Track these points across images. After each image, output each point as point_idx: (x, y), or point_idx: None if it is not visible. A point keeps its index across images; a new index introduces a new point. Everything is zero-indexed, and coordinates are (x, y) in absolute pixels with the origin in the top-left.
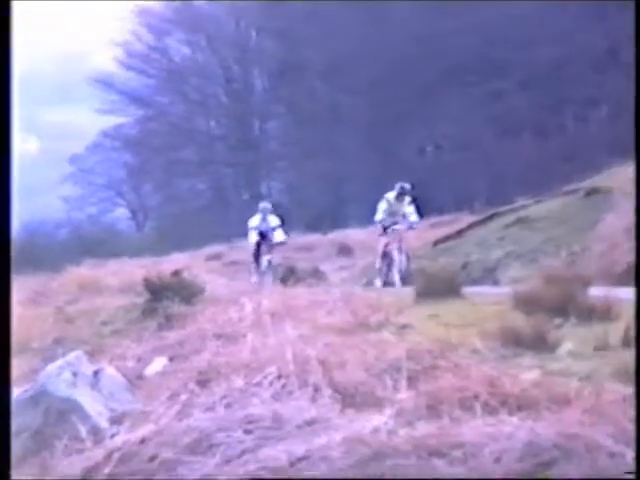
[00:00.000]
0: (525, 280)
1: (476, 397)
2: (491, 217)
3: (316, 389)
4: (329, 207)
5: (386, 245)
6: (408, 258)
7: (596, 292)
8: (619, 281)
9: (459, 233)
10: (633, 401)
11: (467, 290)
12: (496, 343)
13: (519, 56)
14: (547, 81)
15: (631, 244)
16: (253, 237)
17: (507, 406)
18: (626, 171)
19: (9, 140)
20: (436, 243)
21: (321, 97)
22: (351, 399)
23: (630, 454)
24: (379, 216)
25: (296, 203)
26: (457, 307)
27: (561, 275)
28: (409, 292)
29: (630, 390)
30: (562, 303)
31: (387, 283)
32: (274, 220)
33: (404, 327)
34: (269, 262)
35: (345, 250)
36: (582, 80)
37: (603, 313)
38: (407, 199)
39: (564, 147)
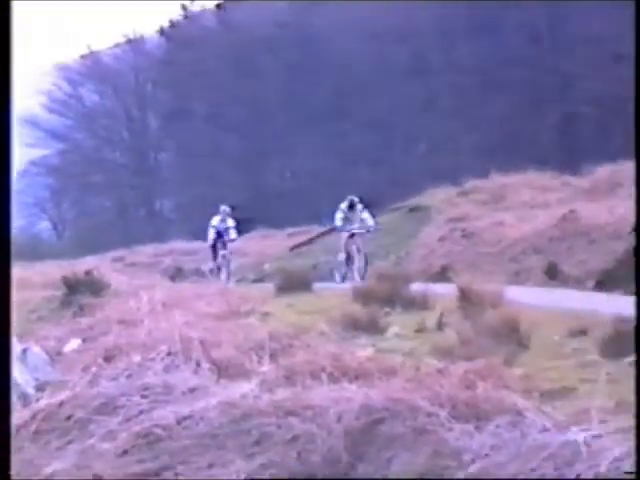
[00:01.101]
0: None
1: (323, 369)
2: (333, 229)
3: (197, 363)
4: (209, 221)
5: (346, 244)
6: (365, 258)
7: (417, 287)
8: (434, 279)
9: (310, 241)
10: (447, 372)
11: (317, 285)
12: (339, 327)
13: (359, 103)
14: (380, 124)
15: (444, 250)
16: (211, 234)
17: (347, 376)
18: (440, 192)
19: (9, 147)
20: (292, 248)
21: (203, 134)
22: (225, 371)
23: (443, 414)
24: (338, 223)
25: (183, 217)
26: (308, 299)
27: (390, 274)
28: (270, 287)
29: (442, 364)
30: (390, 295)
31: (345, 278)
32: (230, 222)
33: (267, 314)
34: (224, 256)
35: None
36: (408, 123)
37: (422, 304)
38: (359, 207)
39: (393, 174)
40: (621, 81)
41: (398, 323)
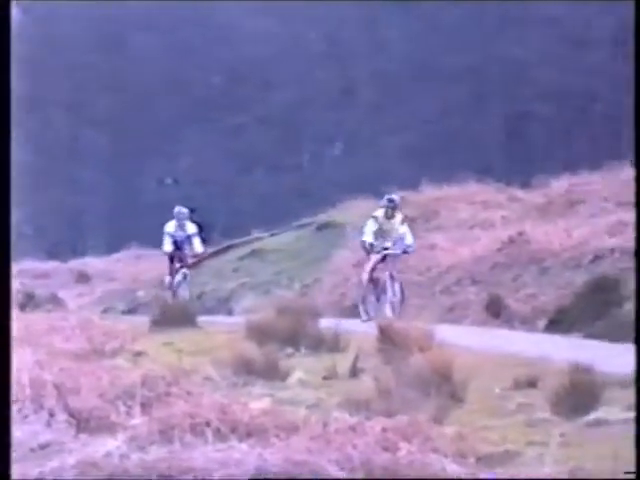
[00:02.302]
0: (258, 310)
1: (207, 424)
2: (226, 249)
3: (51, 413)
4: (68, 236)
5: (373, 270)
6: (402, 288)
7: (327, 323)
8: (349, 313)
9: (196, 264)
10: (362, 429)
11: (202, 319)
12: (228, 371)
13: (259, 94)
14: (285, 118)
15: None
16: (168, 245)
17: (237, 433)
18: (358, 206)
19: (9, 146)
20: None
21: (61, 127)
22: (85, 424)
23: None
24: (368, 238)
25: (36, 231)
26: (191, 335)
27: (293, 306)
28: (144, 320)
29: (355, 419)
30: (293, 333)
31: (372, 316)
32: (191, 227)
33: (139, 354)
34: (184, 276)
35: (83, 278)
36: (318, 119)
37: (332, 344)
38: (399, 217)
39: (299, 182)
40: (584, 72)
41: (302, 367)
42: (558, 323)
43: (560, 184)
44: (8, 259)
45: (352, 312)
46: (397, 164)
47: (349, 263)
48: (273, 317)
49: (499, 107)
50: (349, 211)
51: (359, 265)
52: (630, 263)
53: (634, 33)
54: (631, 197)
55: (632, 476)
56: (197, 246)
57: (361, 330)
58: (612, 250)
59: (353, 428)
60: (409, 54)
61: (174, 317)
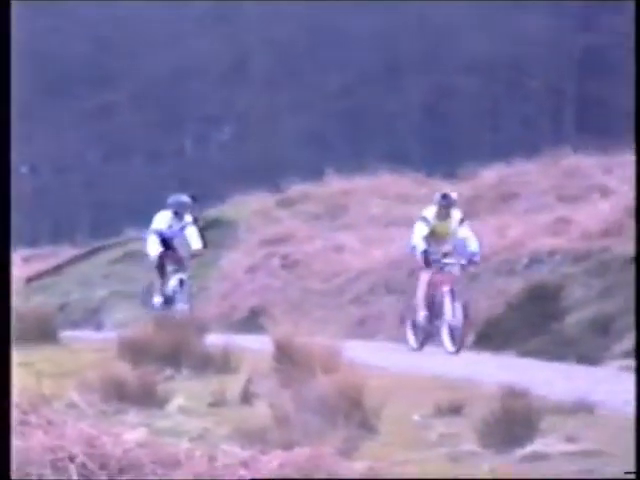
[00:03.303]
0: (133, 324)
1: (71, 459)
2: (95, 251)
3: None
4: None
5: (431, 285)
6: (465, 309)
7: (214, 339)
8: (241, 327)
9: (57, 269)
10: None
11: (65, 335)
12: (96, 396)
13: (130, 65)
14: (162, 95)
15: (256, 285)
16: (153, 246)
17: (107, 469)
18: (252, 201)
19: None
20: (29, 280)
21: None
22: None
23: None
24: (419, 245)
25: None
26: (52, 354)
27: (174, 319)
28: None
29: (248, 453)
30: (174, 351)
31: (426, 341)
32: (188, 218)
33: None
34: (181, 282)
35: None
36: (203, 96)
37: (221, 364)
38: (457, 215)
39: (181, 171)
40: (519, 38)
41: (185, 392)
42: (488, 338)
43: (490, 175)
44: (8, 259)
45: (245, 326)
46: (296, 150)
47: (241, 268)
48: (150, 332)
49: (416, 81)
50: (241, 207)
51: (252, 270)
52: (573, 268)
53: (634, 33)
54: (574, 190)
55: (632, 476)
56: (194, 240)
57: (256, 348)
58: (552, 253)
59: (245, 463)
60: (307, 18)
61: (32, 332)
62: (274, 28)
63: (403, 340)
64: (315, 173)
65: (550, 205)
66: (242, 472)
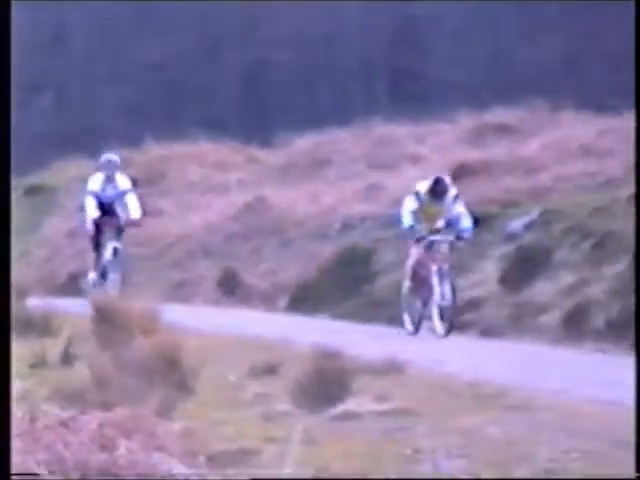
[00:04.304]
0: None
1: None
2: None
3: None
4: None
5: (418, 263)
6: (453, 288)
7: (34, 303)
8: (61, 291)
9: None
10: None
11: None
12: None
13: None
14: None
15: (76, 249)
16: (91, 209)
17: None
18: (72, 167)
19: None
20: None
21: None
22: None
23: None
24: (406, 220)
25: None
26: None
27: None
28: None
29: (68, 413)
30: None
31: (420, 324)
32: (123, 182)
33: None
34: (115, 251)
35: None
36: (25, 64)
37: (41, 327)
38: (451, 193)
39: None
40: (334, 14)
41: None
42: (301, 301)
43: (304, 143)
44: (8, 259)
45: (66, 289)
46: (116, 119)
47: (61, 232)
48: None
49: (235, 54)
50: (62, 173)
51: (73, 235)
52: (384, 233)
53: (634, 33)
54: (386, 158)
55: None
56: (133, 208)
57: (76, 311)
58: (363, 219)
59: (65, 424)
60: None
61: None
62: (97, 3)
63: (219, 302)
64: (134, 140)
65: (362, 173)
66: (62, 432)
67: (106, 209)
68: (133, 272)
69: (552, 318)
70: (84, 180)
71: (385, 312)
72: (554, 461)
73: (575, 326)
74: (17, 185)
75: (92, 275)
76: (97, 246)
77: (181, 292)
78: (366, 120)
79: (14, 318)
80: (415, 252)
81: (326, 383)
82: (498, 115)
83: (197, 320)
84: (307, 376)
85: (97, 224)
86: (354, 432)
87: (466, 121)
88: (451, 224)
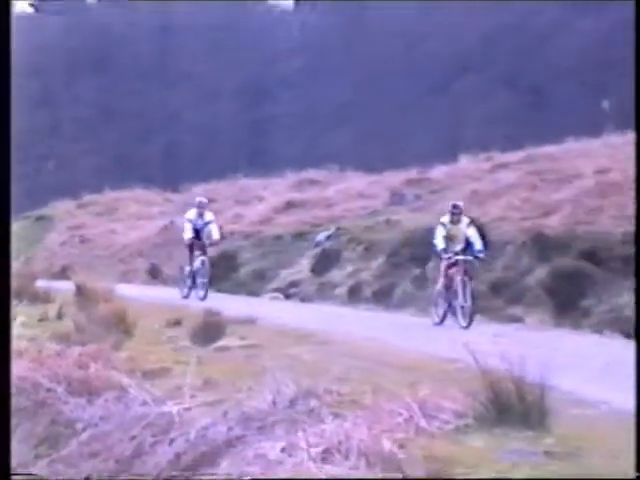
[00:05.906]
0: None
1: None
2: None
3: None
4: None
5: (447, 276)
6: (473, 294)
7: (41, 283)
8: (56, 277)
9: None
10: (65, 354)
11: None
12: None
13: None
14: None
15: (64, 252)
16: (188, 232)
17: None
18: (62, 205)
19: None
20: None
21: None
22: None
23: (60, 390)
24: (440, 244)
25: None
26: None
27: (19, 272)
28: None
29: (60, 347)
30: (19, 291)
31: (444, 319)
32: (209, 215)
33: None
34: (203, 263)
35: None
36: (40, 144)
37: (45, 297)
38: (465, 220)
39: (27, 188)
40: (219, 114)
41: (25, 314)
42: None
43: (198, 189)
44: (8, 258)
45: (58, 276)
46: (89, 176)
47: (56, 243)
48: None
49: (159, 137)
50: (56, 208)
51: (63, 244)
52: (244, 242)
53: (634, 33)
54: (244, 198)
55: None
56: (215, 233)
57: (64, 288)
58: (232, 233)
59: (59, 354)
60: (96, 100)
61: None
62: (79, 108)
63: (149, 283)
64: (99, 189)
65: (231, 206)
66: (57, 358)
67: (196, 234)
68: (98, 266)
69: (341, 291)
70: (69, 213)
71: (245, 289)
72: (343, 373)
73: (354, 295)
74: (30, 215)
75: (186, 273)
76: (191, 259)
77: (125, 277)
78: (233, 177)
79: (29, 293)
80: (444, 266)
81: (210, 329)
82: (310, 173)
83: (135, 294)
84: (199, 325)
85: (191, 244)
86: (227, 358)
87: (291, 177)
88: (469, 245)
